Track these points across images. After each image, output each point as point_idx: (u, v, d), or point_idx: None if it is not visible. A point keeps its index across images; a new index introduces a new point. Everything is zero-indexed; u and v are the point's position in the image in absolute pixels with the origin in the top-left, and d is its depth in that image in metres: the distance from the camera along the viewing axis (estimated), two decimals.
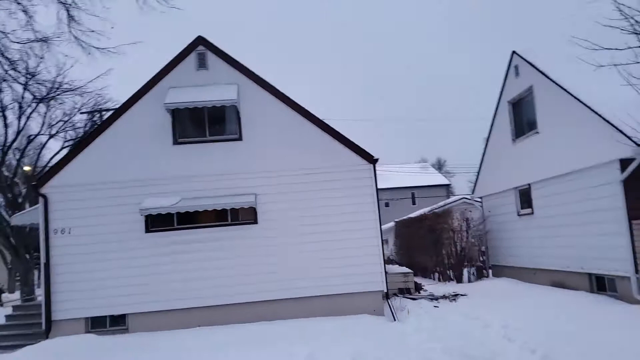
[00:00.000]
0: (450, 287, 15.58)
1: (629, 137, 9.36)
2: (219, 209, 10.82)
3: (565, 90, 11.48)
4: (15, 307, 12.58)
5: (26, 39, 10.65)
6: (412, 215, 23.45)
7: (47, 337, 10.40)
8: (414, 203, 45.50)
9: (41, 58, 13.44)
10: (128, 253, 10.89)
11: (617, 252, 10.14)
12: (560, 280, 12.64)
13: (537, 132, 13.18)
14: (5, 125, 19.69)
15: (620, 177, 9.86)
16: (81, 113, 21.17)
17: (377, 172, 11.65)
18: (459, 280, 16.72)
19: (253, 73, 11.76)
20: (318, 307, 10.85)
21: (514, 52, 14.25)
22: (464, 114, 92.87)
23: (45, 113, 20.40)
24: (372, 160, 11.56)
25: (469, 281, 16.60)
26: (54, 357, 8.62)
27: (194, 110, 11.42)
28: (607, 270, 10.69)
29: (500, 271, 16.46)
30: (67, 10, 10.01)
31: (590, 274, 11.48)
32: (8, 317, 11.91)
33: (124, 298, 10.73)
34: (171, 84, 11.56)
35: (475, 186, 18.32)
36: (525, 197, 14.47)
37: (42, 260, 10.75)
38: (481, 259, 17.86)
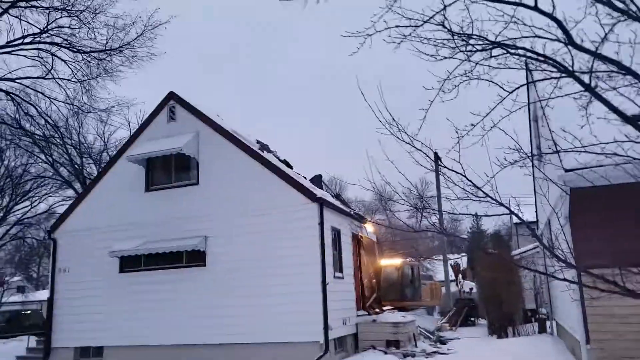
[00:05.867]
0: (482, 342, 13.27)
1: None
2: (167, 252, 11.44)
3: None
4: (28, 350, 14.24)
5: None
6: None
7: None
8: None
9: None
10: (105, 291, 12.23)
11: None
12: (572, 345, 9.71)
13: None
14: None
15: None
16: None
17: None
18: (500, 334, 14.01)
19: (211, 120, 12.28)
20: (252, 355, 10.44)
21: None
22: None
23: None
24: (315, 199, 10.85)
25: (513, 335, 13.79)
26: None
27: (163, 159, 12.39)
28: None
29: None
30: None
31: None
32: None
33: (101, 332, 12.02)
34: (148, 137, 12.80)
35: None
36: None
37: (48, 295, 12.82)
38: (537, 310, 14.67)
